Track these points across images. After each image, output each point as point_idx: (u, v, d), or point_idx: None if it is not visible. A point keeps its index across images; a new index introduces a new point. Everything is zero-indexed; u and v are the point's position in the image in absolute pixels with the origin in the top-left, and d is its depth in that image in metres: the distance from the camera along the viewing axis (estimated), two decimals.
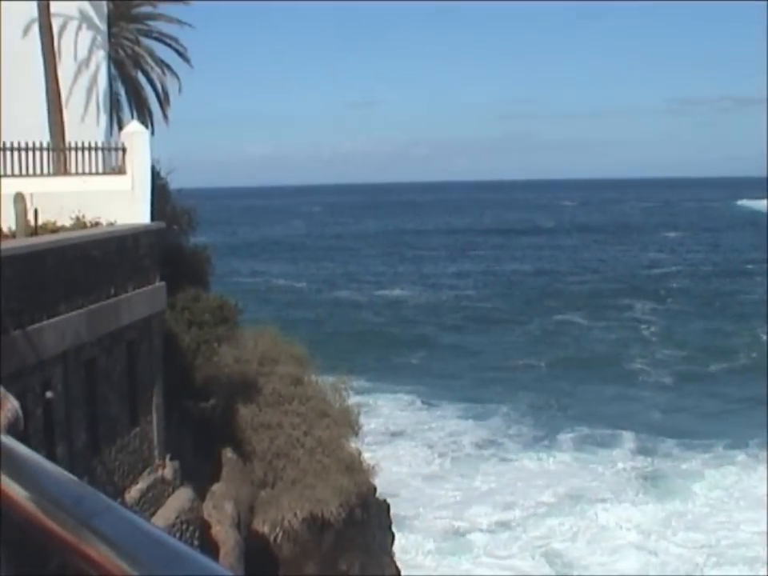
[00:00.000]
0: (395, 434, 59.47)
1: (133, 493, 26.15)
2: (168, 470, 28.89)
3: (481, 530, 47.61)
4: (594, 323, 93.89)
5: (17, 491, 1.85)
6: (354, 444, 37.14)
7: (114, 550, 1.51)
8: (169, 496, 28.56)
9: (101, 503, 1.68)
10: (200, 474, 31.54)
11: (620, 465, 55.13)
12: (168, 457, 29.14)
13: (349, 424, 37.23)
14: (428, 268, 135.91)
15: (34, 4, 33.19)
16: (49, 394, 21.45)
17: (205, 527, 29.58)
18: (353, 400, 39.62)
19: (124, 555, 1.49)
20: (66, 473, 1.85)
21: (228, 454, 33.60)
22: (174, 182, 40.89)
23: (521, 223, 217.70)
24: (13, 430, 2.20)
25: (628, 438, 58.92)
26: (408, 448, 57.38)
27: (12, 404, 2.24)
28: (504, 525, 48.07)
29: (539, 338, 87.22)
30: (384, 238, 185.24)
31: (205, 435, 33.27)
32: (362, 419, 39.30)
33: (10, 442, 2.05)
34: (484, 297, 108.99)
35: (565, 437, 59.50)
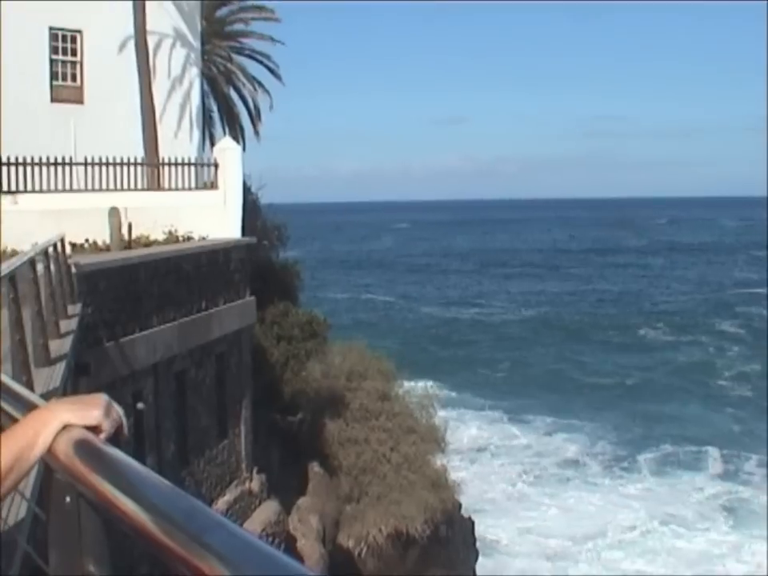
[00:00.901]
0: (480, 450, 59.25)
1: (220, 505, 26.39)
2: (255, 483, 29.12)
3: (562, 552, 47.27)
4: (680, 339, 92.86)
5: (127, 503, 1.94)
6: (439, 460, 37.10)
7: (226, 566, 1.59)
8: (255, 509, 28.78)
9: (211, 519, 1.77)
10: (286, 487, 31.72)
11: (704, 487, 54.37)
12: (255, 470, 29.38)
13: (435, 440, 37.21)
14: (515, 285, 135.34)
15: (130, 21, 33.73)
16: (140, 405, 21.76)
17: (290, 541, 29.73)
18: (439, 414, 39.66)
19: (236, 571, 1.57)
20: (174, 487, 1.94)
21: (314, 468, 33.76)
22: (265, 197, 41.30)
23: (609, 241, 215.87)
24: (119, 439, 2.30)
25: (714, 457, 58.11)
26: (493, 465, 57.14)
27: (118, 413, 2.33)
28: (585, 547, 47.65)
29: (623, 355, 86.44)
30: (472, 255, 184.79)
31: (292, 449, 33.46)
32: (448, 434, 39.28)
33: (118, 453, 2.14)
34: (569, 314, 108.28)
35: (648, 456, 58.81)
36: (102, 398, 2.31)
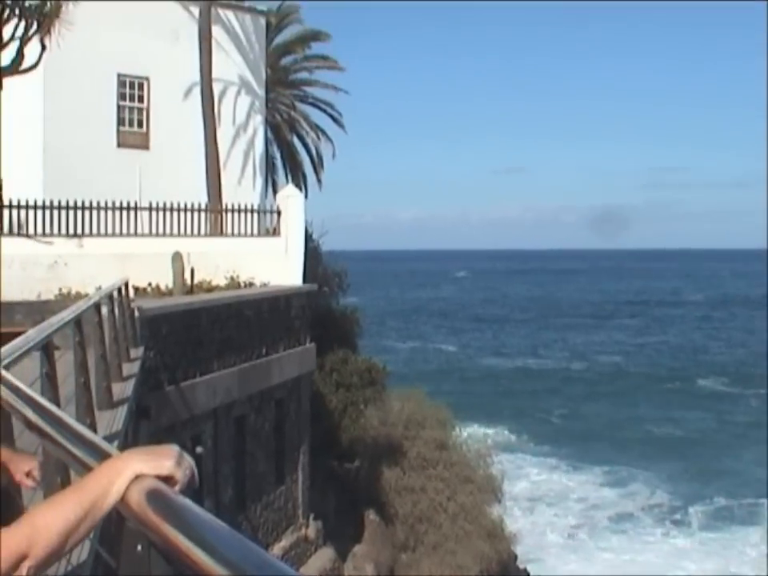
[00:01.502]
0: (536, 500, 58.85)
1: (276, 550, 26.39)
2: (311, 530, 29.11)
3: None
4: (740, 392, 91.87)
5: (197, 553, 2.00)
6: (496, 510, 36.90)
7: None
8: (311, 555, 28.75)
9: (282, 573, 1.82)
10: (342, 534, 31.67)
11: (758, 542, 53.47)
12: (311, 516, 29.37)
13: (492, 490, 37.03)
14: (573, 335, 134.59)
15: (196, 69, 34.18)
16: (199, 449, 21.86)
17: None
18: (496, 460, 39.50)
19: None
20: (245, 539, 1.99)
21: (371, 515, 33.68)
22: (326, 244, 41.48)
23: (668, 292, 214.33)
24: (189, 488, 2.35)
25: None
26: (548, 515, 56.71)
27: (189, 462, 2.38)
28: None
29: (681, 406, 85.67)
30: (531, 305, 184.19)
31: (348, 496, 33.43)
32: (505, 482, 39.09)
33: (189, 503, 2.20)
34: (627, 364, 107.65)
35: (702, 509, 58.05)
36: (174, 448, 2.37)
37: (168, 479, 2.30)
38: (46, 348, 6.94)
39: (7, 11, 20.23)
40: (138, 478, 2.28)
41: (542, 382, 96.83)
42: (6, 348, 5.35)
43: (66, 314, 9.05)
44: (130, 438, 13.85)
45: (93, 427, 9.64)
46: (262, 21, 40.46)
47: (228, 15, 38.38)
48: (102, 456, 2.70)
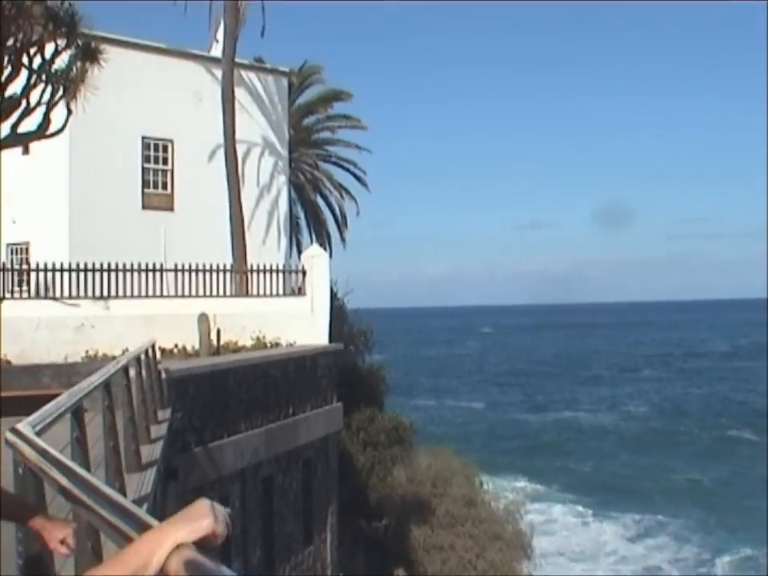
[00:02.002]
0: (565, 554, 58.41)
1: None
2: None
3: None
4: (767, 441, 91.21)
5: None
6: (525, 567, 36.61)
7: None
8: None
9: None
10: None
11: None
12: None
13: (521, 547, 36.77)
14: (601, 389, 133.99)
15: (220, 131, 34.45)
16: (227, 510, 21.77)
17: None
18: (525, 511, 39.27)
19: None
20: None
21: (400, 574, 33.44)
22: (351, 302, 41.54)
23: (693, 345, 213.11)
24: (225, 540, 2.36)
25: None
26: (578, 570, 56.24)
27: (222, 514, 2.38)
28: None
29: (706, 454, 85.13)
30: (557, 359, 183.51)
31: (377, 555, 33.22)
32: (533, 535, 38.82)
33: (225, 571, 2.20)
34: (654, 415, 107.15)
35: (729, 559, 57.46)
36: (205, 504, 2.37)
37: (211, 536, 2.31)
38: (77, 412, 6.95)
39: (34, 77, 20.46)
40: (177, 547, 2.28)
41: (570, 434, 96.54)
42: (37, 414, 5.37)
43: (96, 378, 9.07)
44: (159, 501, 13.84)
45: (122, 491, 9.63)
46: (285, 82, 40.82)
47: (251, 77, 38.75)
48: (135, 522, 2.71)
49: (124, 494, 9.56)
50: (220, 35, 36.19)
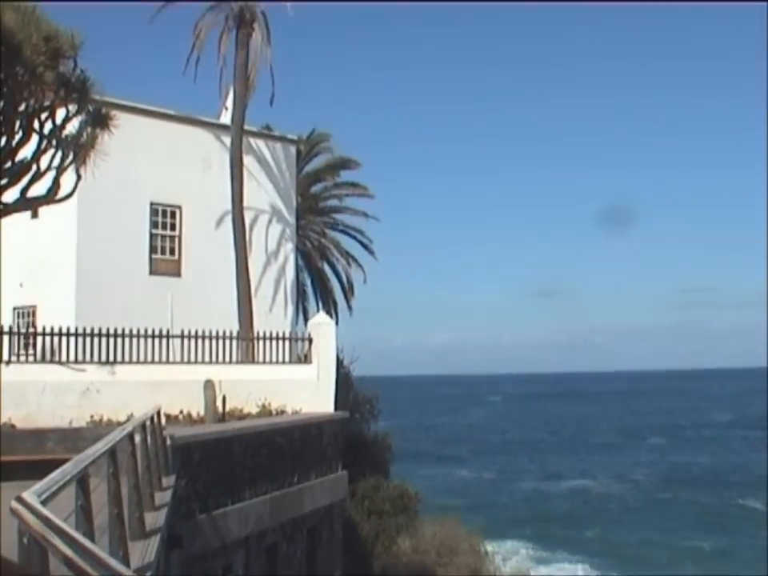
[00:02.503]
0: None
1: None
2: None
3: None
4: None
5: None
6: None
7: None
8: None
9: None
10: None
11: None
12: None
13: None
14: (608, 457, 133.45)
15: (228, 198, 34.59)
16: None
17: None
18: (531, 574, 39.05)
19: None
20: None
21: None
22: (357, 370, 41.43)
23: (701, 414, 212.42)
24: None
25: None
26: None
27: None
28: None
29: (712, 522, 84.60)
30: (564, 427, 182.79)
31: None
32: None
33: None
34: (661, 484, 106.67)
35: None
36: None
37: None
38: (82, 481, 6.88)
39: (45, 142, 20.56)
40: None
41: (577, 502, 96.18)
42: (43, 482, 5.31)
43: (101, 446, 9.00)
44: (162, 569, 13.69)
45: (126, 559, 9.53)
46: (293, 149, 41.04)
47: (259, 144, 38.97)
48: None
49: (127, 563, 9.46)
50: (230, 103, 36.44)
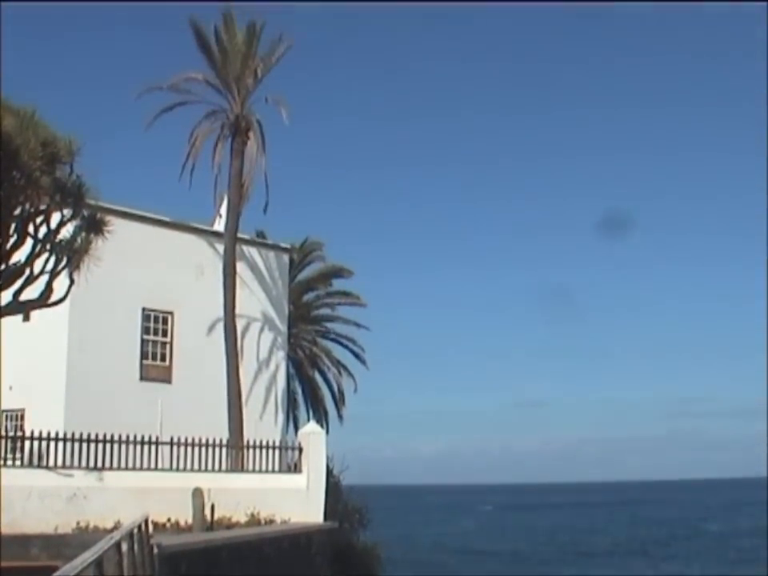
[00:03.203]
0: None
1: None
2: None
3: None
4: None
5: None
6: None
7: None
8: None
9: None
10: None
11: None
12: None
13: None
14: (602, 570, 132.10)
15: (220, 305, 34.62)
16: None
17: None
18: None
19: None
20: None
21: None
22: (347, 479, 41.02)
23: (695, 524, 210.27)
24: None
25: None
26: None
27: None
28: None
29: None
30: (555, 539, 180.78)
31: None
32: None
33: None
34: None
35: None
36: None
37: None
38: None
39: (39, 246, 20.61)
40: None
41: None
42: None
43: (88, 555, 8.83)
44: None
45: None
46: (286, 258, 41.22)
47: (252, 252, 39.14)
48: None
49: None
50: (224, 210, 36.63)
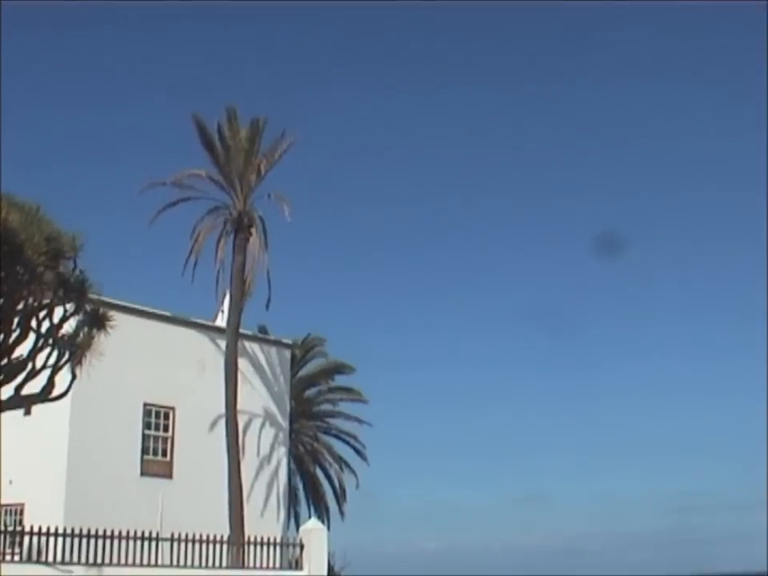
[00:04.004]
0: None
1: None
2: None
3: None
4: None
5: None
6: None
7: None
8: None
9: None
10: None
11: None
12: None
13: None
14: None
15: (222, 401, 34.63)
16: None
17: None
18: None
19: None
20: None
21: None
22: (348, 573, 40.71)
23: None
24: None
25: None
26: None
27: None
28: None
29: None
30: None
31: None
32: None
33: None
34: None
35: None
36: None
37: None
38: None
39: (41, 340, 20.70)
40: None
41: None
42: None
43: None
44: None
45: None
46: (288, 354, 41.28)
47: (254, 348, 39.23)
48: None
49: None
50: (226, 306, 36.78)
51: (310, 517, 38.12)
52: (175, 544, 28.57)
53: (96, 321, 21.47)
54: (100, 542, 26.87)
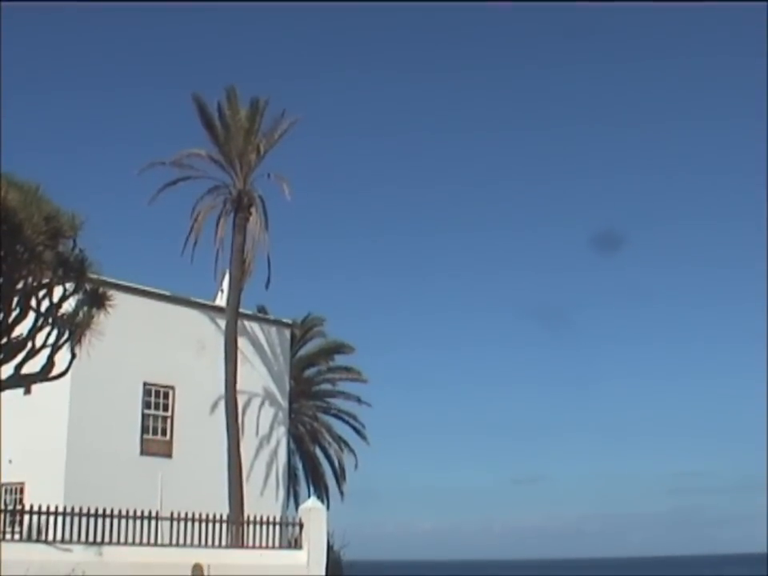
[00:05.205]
0: None
1: None
2: None
3: None
4: None
5: None
6: None
7: None
8: None
9: None
10: None
11: None
12: None
13: None
14: None
15: (222, 380, 34.65)
16: None
17: None
18: None
19: None
20: None
21: None
22: (347, 554, 40.74)
23: None
24: None
25: None
26: None
27: None
28: None
29: None
30: None
31: None
32: None
33: None
34: None
35: None
36: None
37: None
38: None
39: (41, 320, 20.69)
40: None
41: None
42: None
43: None
44: None
45: None
46: (287, 333, 41.27)
47: (254, 327, 39.22)
48: None
49: None
50: (225, 285, 36.78)
51: (309, 496, 38.09)
52: (175, 523, 28.63)
53: (96, 300, 21.45)
54: (100, 520, 26.93)
